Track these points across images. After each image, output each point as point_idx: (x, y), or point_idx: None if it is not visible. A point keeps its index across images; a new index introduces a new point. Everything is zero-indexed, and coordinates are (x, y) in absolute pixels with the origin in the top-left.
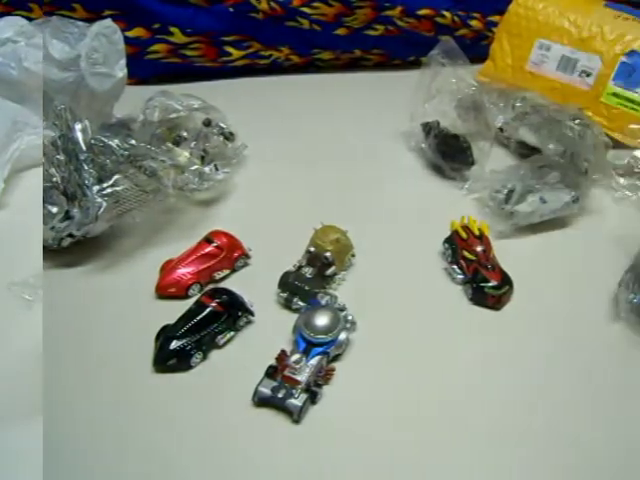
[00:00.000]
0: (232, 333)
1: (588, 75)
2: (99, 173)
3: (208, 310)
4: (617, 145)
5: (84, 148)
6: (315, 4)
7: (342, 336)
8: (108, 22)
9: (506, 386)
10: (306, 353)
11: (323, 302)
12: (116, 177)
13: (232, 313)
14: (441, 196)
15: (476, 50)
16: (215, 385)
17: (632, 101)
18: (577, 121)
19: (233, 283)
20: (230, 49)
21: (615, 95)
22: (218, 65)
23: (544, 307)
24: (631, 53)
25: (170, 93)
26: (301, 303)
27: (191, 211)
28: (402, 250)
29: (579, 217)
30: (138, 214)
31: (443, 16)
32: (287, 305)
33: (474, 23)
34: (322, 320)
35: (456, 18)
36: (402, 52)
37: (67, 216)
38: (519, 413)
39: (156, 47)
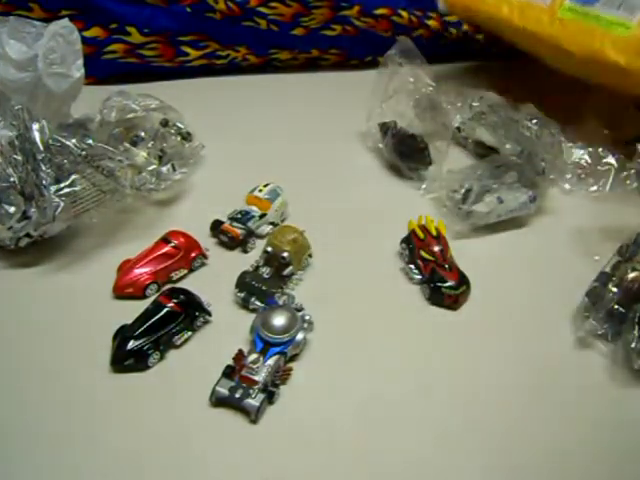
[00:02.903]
0: (189, 333)
1: None
2: (56, 173)
3: (165, 310)
4: (573, 143)
5: (41, 148)
6: (272, 4)
7: (299, 336)
8: (65, 22)
9: (462, 385)
10: (263, 353)
11: (280, 302)
12: (73, 177)
13: (189, 313)
14: (398, 196)
15: (433, 50)
16: (172, 385)
17: (586, 15)
18: (534, 121)
19: (190, 283)
20: (187, 49)
21: (571, 10)
22: (175, 65)
23: (501, 307)
24: None
25: (127, 93)
26: (258, 303)
27: (148, 211)
28: (359, 250)
29: (536, 217)
30: (95, 214)
31: (400, 15)
32: (244, 305)
33: (431, 23)
34: (279, 320)
35: (413, 18)
36: (359, 52)
37: (24, 216)
38: (475, 412)
39: (113, 47)
